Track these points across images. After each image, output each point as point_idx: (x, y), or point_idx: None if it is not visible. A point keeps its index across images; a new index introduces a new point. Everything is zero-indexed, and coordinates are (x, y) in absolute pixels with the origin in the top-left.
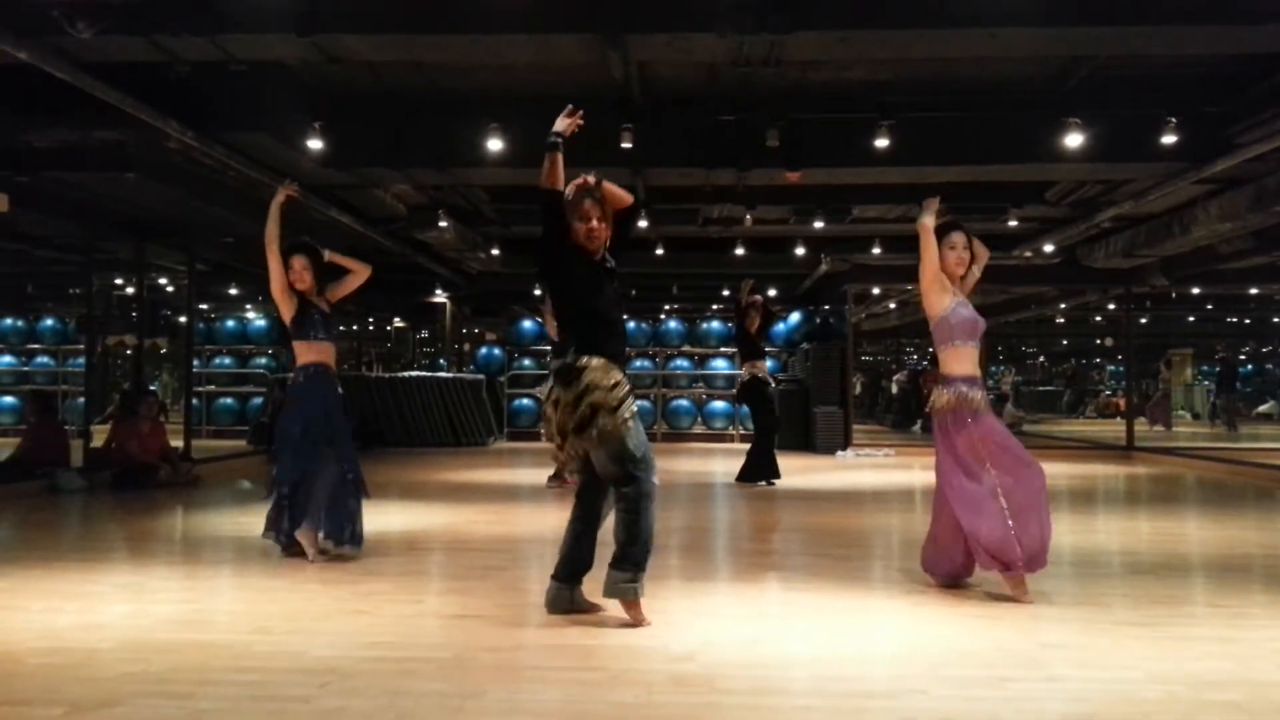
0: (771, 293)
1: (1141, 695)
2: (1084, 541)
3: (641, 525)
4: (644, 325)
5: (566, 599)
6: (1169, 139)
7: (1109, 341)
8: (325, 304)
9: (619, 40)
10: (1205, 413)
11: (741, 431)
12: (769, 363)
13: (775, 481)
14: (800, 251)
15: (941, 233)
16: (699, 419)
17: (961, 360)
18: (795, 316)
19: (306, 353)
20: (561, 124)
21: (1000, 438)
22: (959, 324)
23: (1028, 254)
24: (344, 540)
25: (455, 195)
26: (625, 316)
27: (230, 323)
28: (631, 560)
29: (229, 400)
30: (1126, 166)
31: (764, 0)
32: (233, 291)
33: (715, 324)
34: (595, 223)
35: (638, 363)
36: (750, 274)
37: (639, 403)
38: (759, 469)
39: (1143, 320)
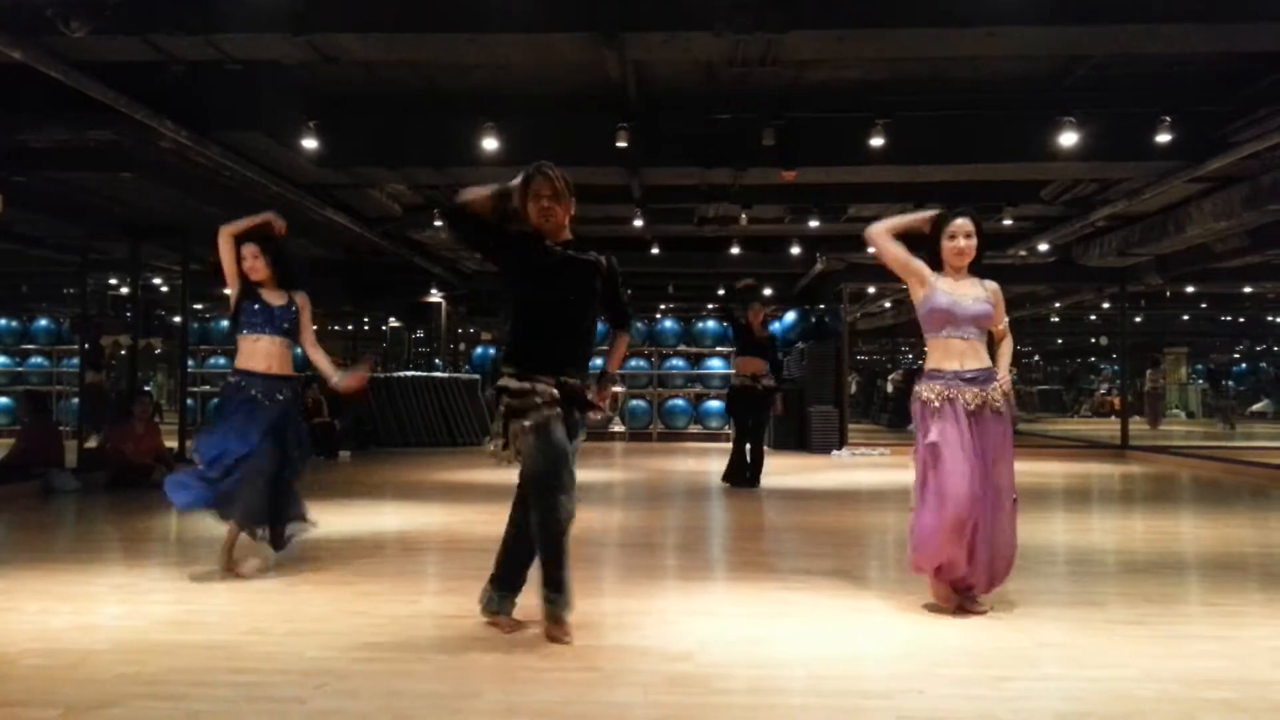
0: (767, 292)
1: (1137, 694)
2: (1079, 540)
3: (547, 538)
4: (640, 325)
5: (495, 605)
6: (1164, 137)
7: (1104, 340)
8: (282, 297)
9: (615, 39)
10: (1199, 411)
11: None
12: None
13: (728, 485)
14: (796, 250)
15: (943, 221)
16: (694, 418)
17: (939, 352)
18: (791, 315)
19: (241, 354)
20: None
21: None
22: (935, 313)
23: (1023, 253)
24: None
25: (451, 194)
26: (587, 312)
27: (224, 323)
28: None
29: None
30: (1121, 165)
31: None
32: (227, 292)
33: (711, 323)
34: (547, 202)
35: (633, 362)
36: (746, 273)
37: (634, 403)
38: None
39: (1137, 319)
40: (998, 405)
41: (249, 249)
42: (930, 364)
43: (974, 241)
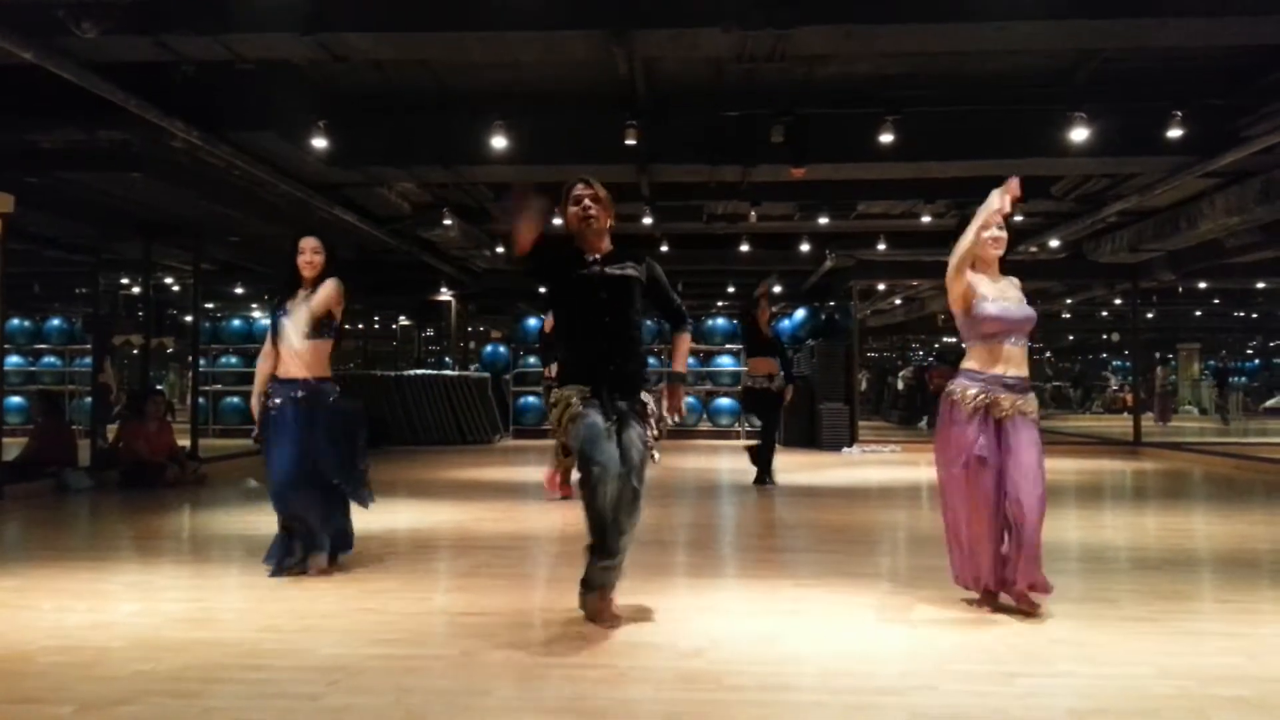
0: (776, 289)
1: (1150, 690)
2: (1092, 537)
3: (589, 512)
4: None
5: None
6: (1176, 132)
7: (1115, 336)
8: (307, 300)
9: (624, 36)
10: (1211, 408)
11: (747, 428)
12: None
13: (768, 485)
14: (805, 248)
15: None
16: (704, 416)
17: (983, 354)
18: (800, 313)
19: (292, 359)
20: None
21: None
22: (990, 320)
23: (1034, 249)
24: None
25: (460, 193)
26: (623, 326)
27: (236, 322)
28: (594, 549)
29: (235, 399)
30: (1133, 160)
31: None
32: (238, 291)
33: (721, 321)
34: (588, 201)
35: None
36: (755, 270)
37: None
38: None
39: (1149, 315)
40: (1030, 414)
41: (309, 243)
42: (969, 364)
43: (1005, 233)
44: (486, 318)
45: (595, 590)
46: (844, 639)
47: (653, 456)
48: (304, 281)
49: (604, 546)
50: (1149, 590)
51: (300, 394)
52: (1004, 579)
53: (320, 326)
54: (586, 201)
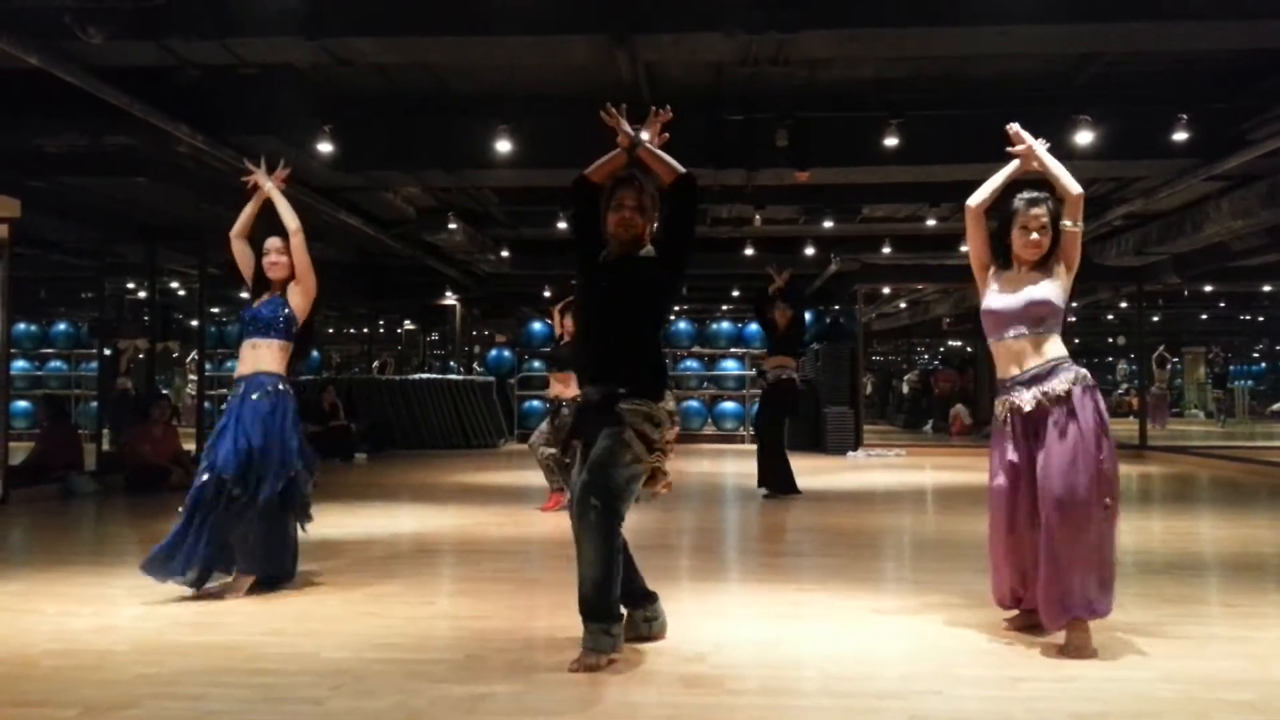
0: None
1: (1154, 694)
2: None
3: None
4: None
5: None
6: (1180, 135)
7: (1121, 340)
8: (280, 295)
9: (626, 41)
10: (1214, 410)
11: (752, 433)
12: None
13: (776, 494)
14: (810, 251)
15: (1015, 211)
16: (709, 420)
17: (999, 358)
18: (805, 316)
19: (241, 360)
20: (645, 133)
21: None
22: (985, 315)
23: None
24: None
25: (465, 197)
26: (627, 313)
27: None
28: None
29: None
30: (1138, 163)
31: None
32: (244, 295)
33: (725, 324)
34: (628, 213)
35: None
36: (760, 274)
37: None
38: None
39: (1155, 318)
40: (1060, 396)
41: (274, 243)
42: (997, 374)
43: (1049, 235)
44: (491, 322)
45: (590, 653)
46: (847, 643)
47: (660, 484)
48: (271, 284)
49: (581, 602)
50: (1154, 594)
51: (258, 389)
52: (1020, 598)
53: (291, 327)
54: (626, 214)
